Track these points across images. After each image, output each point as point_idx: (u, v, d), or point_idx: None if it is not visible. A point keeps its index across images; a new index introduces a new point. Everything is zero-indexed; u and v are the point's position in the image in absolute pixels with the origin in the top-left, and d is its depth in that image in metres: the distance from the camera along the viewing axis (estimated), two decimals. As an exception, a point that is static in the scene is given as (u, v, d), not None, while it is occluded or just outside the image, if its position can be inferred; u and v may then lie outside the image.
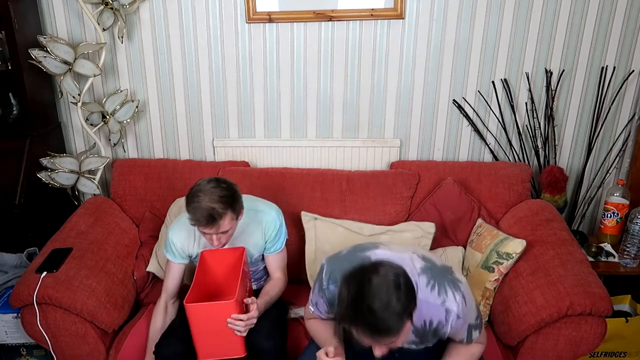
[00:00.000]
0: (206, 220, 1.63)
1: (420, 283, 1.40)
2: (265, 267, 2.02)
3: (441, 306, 1.40)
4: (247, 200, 1.84)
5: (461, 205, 2.23)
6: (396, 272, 1.27)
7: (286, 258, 2.02)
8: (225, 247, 1.83)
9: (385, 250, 1.50)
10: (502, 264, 1.95)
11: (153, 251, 2.24)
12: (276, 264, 1.98)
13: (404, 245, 1.66)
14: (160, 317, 1.91)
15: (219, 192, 1.66)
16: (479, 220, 2.21)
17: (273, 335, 1.77)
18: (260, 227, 1.91)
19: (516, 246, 1.95)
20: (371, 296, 1.22)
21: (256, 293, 1.98)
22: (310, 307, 1.63)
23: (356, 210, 2.29)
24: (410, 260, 1.45)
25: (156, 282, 2.22)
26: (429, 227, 2.21)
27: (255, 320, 1.71)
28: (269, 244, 1.93)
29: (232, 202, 1.68)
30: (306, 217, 2.24)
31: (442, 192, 2.26)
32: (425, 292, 1.40)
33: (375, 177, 2.33)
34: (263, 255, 1.98)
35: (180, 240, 1.88)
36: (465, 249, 2.19)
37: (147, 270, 2.19)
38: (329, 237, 2.20)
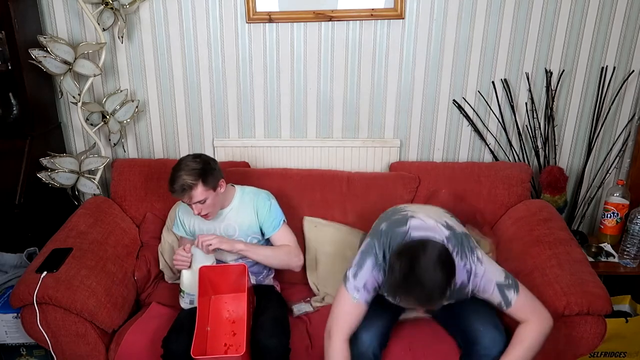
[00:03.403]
0: (179, 190, 1.85)
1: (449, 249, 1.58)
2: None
3: (463, 268, 1.60)
4: (238, 188, 2.07)
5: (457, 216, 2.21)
6: (440, 250, 1.49)
7: (294, 235, 2.07)
8: (225, 260, 1.94)
9: (417, 221, 1.67)
10: None
11: (159, 253, 2.28)
12: (282, 240, 2.03)
13: (427, 210, 1.77)
14: None
15: (193, 165, 1.88)
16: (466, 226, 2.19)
17: (276, 333, 1.79)
18: (250, 206, 2.01)
19: (485, 247, 2.00)
20: (420, 273, 1.43)
21: (255, 289, 2.00)
22: (353, 295, 1.65)
23: (356, 213, 2.29)
24: (437, 229, 1.64)
25: (158, 282, 2.23)
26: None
27: (211, 241, 1.88)
28: (266, 224, 2.01)
29: (202, 174, 1.87)
30: (308, 223, 2.26)
31: (436, 204, 2.24)
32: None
33: (376, 181, 2.32)
34: (267, 243, 2.05)
35: (184, 213, 2.09)
36: None
37: (160, 268, 2.25)
38: (329, 238, 2.21)
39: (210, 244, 1.87)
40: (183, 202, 1.93)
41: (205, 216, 1.94)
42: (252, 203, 2.03)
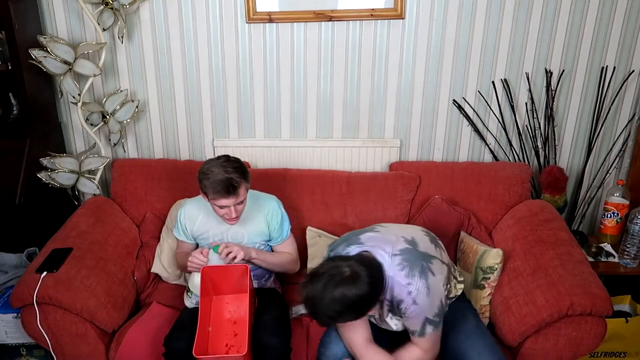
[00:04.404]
0: (226, 189, 1.76)
1: (393, 262, 1.57)
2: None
3: (405, 287, 1.55)
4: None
5: (450, 223, 2.19)
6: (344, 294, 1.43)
7: (295, 244, 2.10)
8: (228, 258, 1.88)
9: (375, 233, 1.69)
10: (489, 278, 1.96)
11: (156, 254, 2.26)
12: (286, 249, 2.07)
13: (403, 229, 1.76)
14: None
15: (231, 164, 1.81)
16: (462, 234, 2.17)
17: (278, 332, 1.79)
18: (261, 213, 1.99)
19: (495, 257, 1.96)
20: (315, 289, 1.46)
21: (257, 292, 2.00)
22: None
23: (356, 214, 2.29)
24: (394, 242, 1.62)
25: (158, 282, 2.23)
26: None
27: (235, 253, 1.84)
28: (275, 233, 2.01)
29: (244, 172, 1.83)
30: (311, 233, 2.25)
31: (430, 210, 2.23)
32: (394, 271, 1.56)
33: (376, 180, 2.32)
34: (271, 247, 2.05)
35: (186, 216, 2.02)
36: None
37: (152, 271, 2.21)
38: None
39: (235, 257, 1.84)
40: (220, 206, 1.82)
41: (235, 220, 1.89)
42: (262, 211, 1.99)
